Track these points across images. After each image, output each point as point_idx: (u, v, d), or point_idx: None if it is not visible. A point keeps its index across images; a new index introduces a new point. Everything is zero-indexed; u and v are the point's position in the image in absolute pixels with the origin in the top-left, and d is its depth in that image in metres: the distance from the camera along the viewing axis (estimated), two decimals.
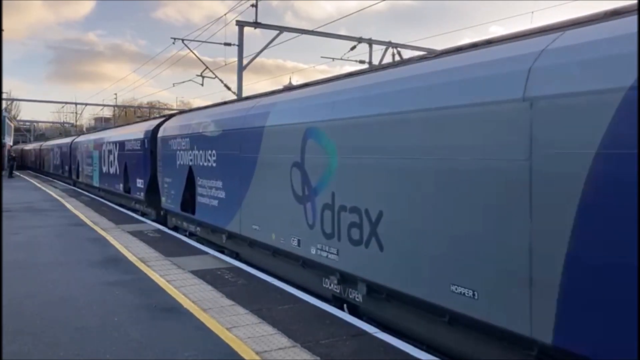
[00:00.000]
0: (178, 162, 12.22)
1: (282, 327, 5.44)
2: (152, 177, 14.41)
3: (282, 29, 21.34)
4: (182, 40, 24.16)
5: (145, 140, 14.96)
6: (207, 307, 6.17)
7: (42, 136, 72.74)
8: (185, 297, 6.60)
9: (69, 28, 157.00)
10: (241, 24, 20.73)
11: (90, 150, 23.64)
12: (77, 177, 27.79)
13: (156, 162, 14.05)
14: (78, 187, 27.28)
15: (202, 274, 7.84)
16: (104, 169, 20.56)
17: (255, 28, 20.98)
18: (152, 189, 14.42)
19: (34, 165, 52.15)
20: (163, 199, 13.47)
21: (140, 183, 15.48)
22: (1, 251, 8.64)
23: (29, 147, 62.12)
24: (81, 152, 26.48)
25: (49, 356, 4.67)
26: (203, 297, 6.62)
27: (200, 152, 10.88)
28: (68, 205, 18.01)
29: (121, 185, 17.75)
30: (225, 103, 11.61)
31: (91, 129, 53.51)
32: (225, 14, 49.58)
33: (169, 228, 12.97)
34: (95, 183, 22.64)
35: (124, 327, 5.46)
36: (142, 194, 15.33)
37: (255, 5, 20.35)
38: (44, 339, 5.11)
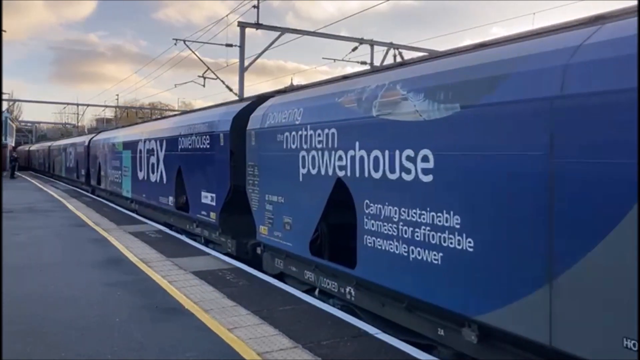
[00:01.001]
0: (303, 171, 7.16)
1: (284, 328, 5.44)
2: (233, 190, 9.54)
3: (283, 30, 21.36)
4: (184, 41, 24.21)
5: (221, 136, 9.84)
6: (208, 307, 6.17)
7: (43, 137, 72.76)
8: (186, 297, 6.61)
9: (70, 29, 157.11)
10: (243, 25, 20.74)
11: (118, 151, 18.32)
12: (98, 182, 21.95)
13: (242, 169, 9.06)
14: (99, 196, 22.05)
15: (203, 275, 7.85)
16: (141, 175, 15.31)
17: (257, 29, 21.00)
18: (232, 209, 9.71)
19: (42, 167, 45.79)
20: (262, 228, 8.35)
21: (208, 198, 10.49)
22: (1, 251, 8.64)
23: (35, 147, 55.84)
24: (103, 152, 20.93)
25: (50, 356, 4.67)
26: (204, 297, 6.62)
27: (374, 153, 5.68)
28: (69, 206, 18.02)
29: (171, 198, 12.70)
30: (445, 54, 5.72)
31: (93, 130, 53.29)
32: (227, 15, 49.70)
33: (270, 274, 8.17)
34: (126, 193, 17.37)
35: (125, 327, 5.46)
36: (212, 214, 10.29)
37: (256, 7, 20.37)
38: (45, 339, 5.11)
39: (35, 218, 14.68)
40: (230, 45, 23.19)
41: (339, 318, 5.82)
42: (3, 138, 39.53)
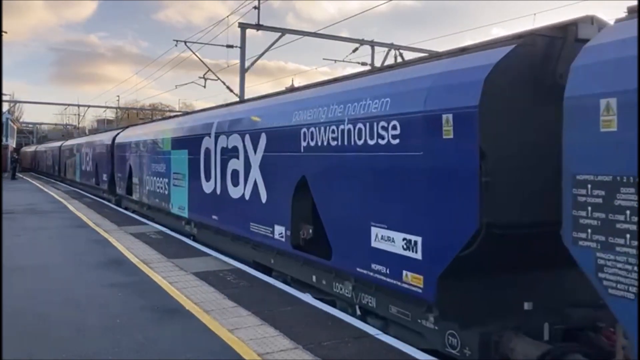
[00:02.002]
0: None
1: (285, 329, 5.44)
2: (485, 233, 4.42)
3: (284, 31, 21.38)
4: (185, 42, 24.24)
5: (448, 120, 4.76)
6: (209, 308, 6.17)
7: (44, 138, 72.87)
8: (187, 298, 6.61)
9: (70, 30, 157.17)
10: (244, 26, 20.78)
11: (163, 150, 13.36)
12: (128, 192, 16.97)
13: (507, 187, 4.48)
14: (127, 208, 17.74)
15: (204, 276, 7.84)
16: (209, 187, 10.27)
17: (257, 30, 21.03)
18: (471, 270, 4.77)
19: (51, 170, 39.96)
20: None
21: (396, 242, 5.39)
22: (1, 252, 8.64)
23: (43, 147, 49.54)
24: (136, 152, 15.94)
25: (51, 357, 4.67)
26: (205, 298, 6.62)
27: None
28: (70, 207, 18.03)
29: (279, 229, 7.68)
30: None
31: (93, 131, 53.25)
32: (227, 16, 49.73)
33: None
34: (178, 210, 12.17)
35: (126, 328, 5.46)
36: (412, 276, 5.18)
37: (257, 7, 20.41)
38: (45, 339, 5.11)
39: (36, 219, 14.68)
40: (231, 47, 23.25)
41: (339, 319, 5.81)
42: (4, 139, 39.62)
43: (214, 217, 10.09)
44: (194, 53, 24.72)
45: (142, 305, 6.34)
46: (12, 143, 51.39)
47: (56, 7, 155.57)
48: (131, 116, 57.59)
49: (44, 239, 11.18)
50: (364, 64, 24.62)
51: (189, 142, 11.46)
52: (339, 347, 4.96)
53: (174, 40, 24.25)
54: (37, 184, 31.77)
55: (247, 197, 8.64)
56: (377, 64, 23.53)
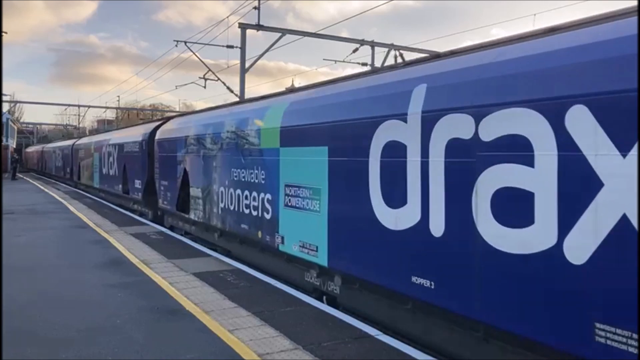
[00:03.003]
0: None
1: (285, 329, 5.44)
2: None
3: (284, 32, 21.38)
4: (185, 42, 24.24)
5: None
6: (209, 309, 6.17)
7: (45, 138, 72.87)
8: (187, 299, 6.61)
9: (70, 30, 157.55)
10: (244, 27, 20.78)
11: (254, 148, 8.65)
12: (181, 208, 12.30)
13: None
14: (174, 229, 13.32)
15: (204, 276, 7.85)
16: (409, 219, 5.33)
17: (257, 30, 21.03)
18: None
19: (61, 173, 34.96)
20: None
21: None
22: (1, 252, 8.64)
23: (51, 146, 43.86)
24: (197, 153, 11.14)
25: (50, 357, 4.67)
26: (205, 299, 6.62)
27: None
28: (71, 208, 18.03)
29: None
30: None
31: (93, 132, 53.11)
32: (227, 17, 49.84)
33: None
34: (301, 249, 7.25)
35: (126, 329, 5.46)
36: None
37: (257, 8, 20.40)
38: (45, 340, 5.11)
39: (36, 220, 14.68)
40: (231, 47, 23.22)
41: (340, 319, 5.82)
42: (4, 139, 39.59)
43: (418, 280, 5.22)
44: (194, 53, 24.72)
45: (142, 305, 6.35)
46: (12, 143, 51.37)
47: (56, 7, 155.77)
48: (131, 116, 57.62)
49: (44, 240, 11.17)
50: (364, 64, 24.61)
51: (333, 133, 6.66)
52: (339, 347, 4.96)
53: (174, 40, 24.27)
54: (38, 185, 31.76)
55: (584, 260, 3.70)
56: (377, 64, 23.53)
